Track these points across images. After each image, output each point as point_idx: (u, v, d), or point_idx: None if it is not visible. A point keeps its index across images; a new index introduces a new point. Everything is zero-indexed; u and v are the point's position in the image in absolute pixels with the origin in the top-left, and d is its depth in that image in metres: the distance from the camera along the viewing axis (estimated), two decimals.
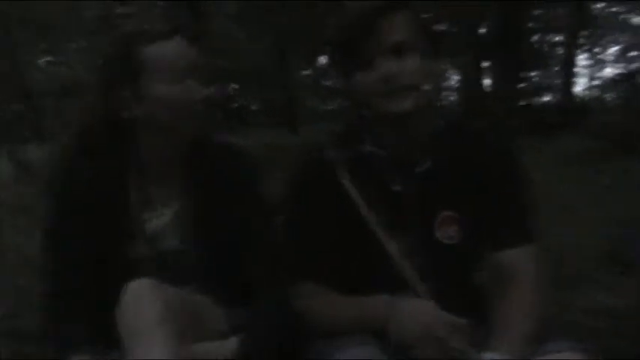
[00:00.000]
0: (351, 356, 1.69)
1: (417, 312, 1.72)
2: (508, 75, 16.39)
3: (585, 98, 19.88)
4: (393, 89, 1.78)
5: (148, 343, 1.69)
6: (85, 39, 16.88)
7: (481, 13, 15.51)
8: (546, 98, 21.11)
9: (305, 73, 26.65)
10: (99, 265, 1.98)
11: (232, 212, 1.98)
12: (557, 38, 21.36)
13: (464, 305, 1.76)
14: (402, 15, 1.83)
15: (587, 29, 21.85)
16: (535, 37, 21.00)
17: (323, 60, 21.44)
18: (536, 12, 19.12)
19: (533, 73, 21.34)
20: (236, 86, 24.16)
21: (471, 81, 18.30)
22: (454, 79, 24.63)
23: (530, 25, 18.51)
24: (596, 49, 27.75)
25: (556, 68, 21.26)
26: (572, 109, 15.71)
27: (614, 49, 28.11)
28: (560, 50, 20.25)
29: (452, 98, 24.09)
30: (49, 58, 20.62)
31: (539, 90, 21.31)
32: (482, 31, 17.63)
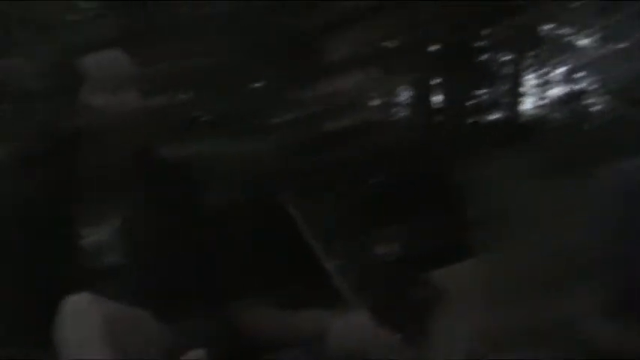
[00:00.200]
0: None
1: (353, 327, 1.73)
2: (458, 92, 16.44)
3: (533, 117, 20.06)
4: (332, 108, 1.78)
5: (87, 356, 1.67)
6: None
7: (433, 30, 15.61)
8: (495, 116, 21.27)
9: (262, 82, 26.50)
10: (38, 278, 1.94)
11: (174, 226, 1.97)
12: (506, 57, 21.56)
13: (401, 320, 1.77)
14: (344, 33, 1.84)
15: (535, 50, 22.06)
16: (485, 56, 21.21)
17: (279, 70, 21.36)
18: (486, 31, 19.32)
19: (482, 91, 21.50)
20: (191, 95, 24.01)
21: (421, 97, 18.35)
22: (405, 95, 24.82)
23: (480, 43, 18.68)
24: (544, 70, 28.05)
25: (505, 87, 21.43)
26: (520, 127, 15.88)
27: (560, 70, 28.44)
28: (509, 69, 20.44)
29: (402, 114, 24.23)
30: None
31: (488, 107, 21.48)
32: (433, 48, 17.70)
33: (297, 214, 1.77)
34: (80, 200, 1.95)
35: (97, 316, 1.66)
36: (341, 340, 1.70)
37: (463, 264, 1.85)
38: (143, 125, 1.88)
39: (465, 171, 1.98)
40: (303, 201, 1.80)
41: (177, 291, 1.91)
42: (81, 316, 1.67)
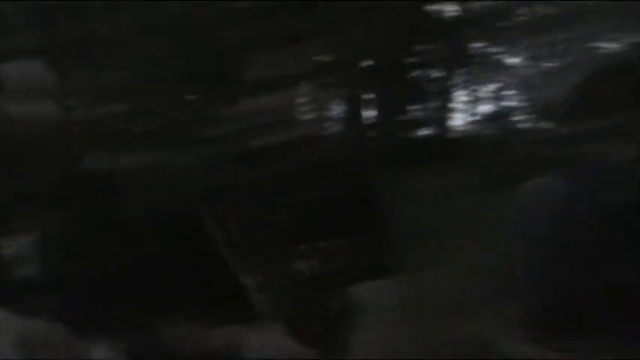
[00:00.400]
0: None
1: (270, 343, 1.69)
2: (389, 108, 16.61)
3: (463, 133, 20.36)
4: (259, 125, 1.74)
5: None
6: None
7: (364, 46, 15.76)
8: (425, 132, 21.55)
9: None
10: None
11: (95, 240, 1.90)
12: (437, 74, 21.85)
13: (320, 337, 1.74)
14: (268, 50, 1.80)
15: (465, 67, 22.45)
16: (417, 72, 21.47)
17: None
18: (418, 48, 19.56)
19: (413, 107, 21.76)
20: (123, 106, 23.74)
21: (352, 113, 18.48)
22: (337, 110, 24.95)
23: (411, 60, 18.91)
24: (474, 87, 28.54)
25: (435, 103, 21.73)
26: (450, 144, 16.09)
27: (490, 88, 28.96)
28: (440, 86, 20.74)
29: (332, 129, 24.35)
30: None
31: (419, 123, 21.76)
32: (366, 63, 17.84)
33: (216, 229, 1.73)
34: None
35: (10, 332, 1.59)
36: (258, 356, 1.67)
37: (382, 280, 1.83)
38: (64, 137, 1.81)
39: (390, 187, 1.96)
40: (222, 216, 1.75)
41: (96, 306, 1.84)
42: None
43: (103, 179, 2.03)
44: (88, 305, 1.91)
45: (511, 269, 1.88)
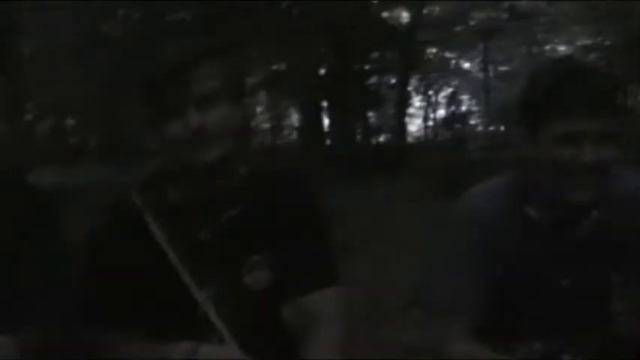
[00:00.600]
0: None
1: (222, 357, 1.70)
2: (346, 115, 16.77)
3: (419, 138, 20.59)
4: (200, 140, 1.75)
5: None
6: None
7: (320, 54, 15.87)
8: (382, 138, 21.75)
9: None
10: None
11: (37, 255, 1.89)
12: (393, 81, 22.07)
13: (272, 350, 1.75)
14: (212, 63, 1.80)
15: (419, 72, 22.75)
16: (373, 79, 21.68)
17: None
18: (374, 55, 19.72)
19: (370, 114, 21.98)
20: (73, 121, 23.52)
21: (308, 120, 18.60)
22: (293, 118, 25.02)
23: (367, 67, 19.08)
24: (430, 92, 28.85)
25: (392, 110, 21.96)
26: (406, 149, 16.27)
27: (446, 92, 29.30)
28: (396, 92, 20.98)
29: (291, 137, 24.38)
30: None
31: (375, 130, 21.95)
32: (322, 71, 17.98)
33: (165, 243, 1.73)
34: None
35: None
36: None
37: (333, 289, 1.84)
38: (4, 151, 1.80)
39: (339, 196, 1.98)
40: (171, 230, 1.75)
41: (40, 321, 1.83)
42: None
43: (47, 194, 2.01)
44: (41, 323, 1.89)
45: (457, 274, 1.90)
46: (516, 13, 18.82)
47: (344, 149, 14.85)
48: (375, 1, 18.51)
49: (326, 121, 19.52)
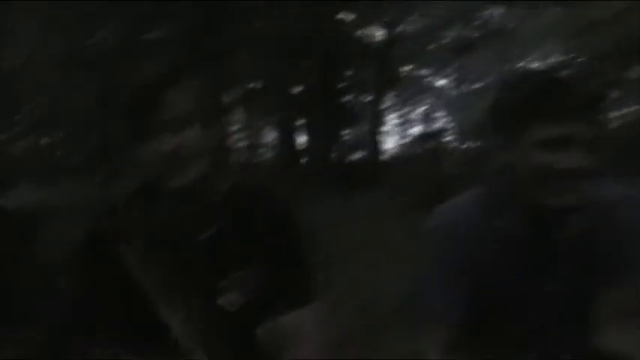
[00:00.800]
0: None
1: None
2: (322, 132, 16.83)
3: (394, 154, 20.67)
4: (176, 161, 1.74)
5: None
6: None
7: (296, 71, 15.94)
8: (357, 155, 21.86)
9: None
10: None
11: (8, 276, 1.87)
12: (368, 98, 22.22)
13: None
14: (186, 85, 1.79)
15: (394, 90, 22.94)
16: (348, 97, 21.78)
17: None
18: (349, 73, 19.81)
19: (346, 131, 22.08)
20: (59, 134, 23.32)
21: (285, 138, 18.65)
22: (270, 135, 25.02)
23: (342, 84, 19.18)
24: (405, 109, 29.11)
25: (368, 127, 22.10)
26: (381, 165, 16.34)
27: (420, 110, 29.65)
28: (370, 110, 21.10)
29: (268, 155, 24.39)
30: None
31: (351, 147, 22.03)
32: (298, 89, 18.04)
33: (135, 265, 1.71)
34: None
35: None
36: None
37: (310, 308, 1.83)
38: None
39: (316, 213, 1.98)
40: (142, 252, 1.74)
41: (14, 341, 1.81)
42: None
43: (14, 216, 1.99)
44: (8, 339, 1.87)
45: (431, 286, 1.90)
46: (488, 31, 18.98)
47: (320, 166, 14.87)
48: (350, 20, 18.65)
49: (302, 139, 19.59)
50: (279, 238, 1.87)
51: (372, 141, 20.24)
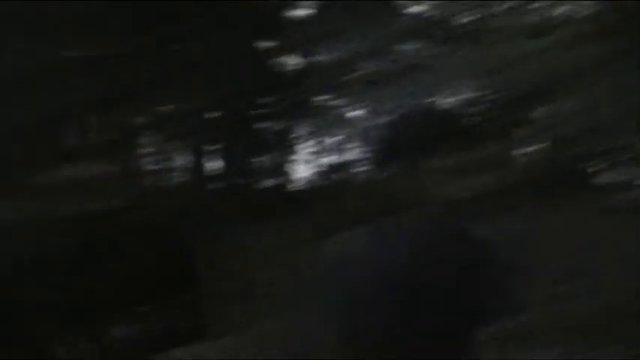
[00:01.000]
0: None
1: None
2: (234, 158, 16.77)
3: (304, 184, 20.76)
4: (79, 191, 1.71)
5: None
6: None
7: (210, 98, 15.87)
8: (268, 183, 21.84)
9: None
10: None
11: None
12: (282, 126, 22.26)
13: None
14: (93, 113, 1.77)
15: (309, 119, 23.08)
16: (260, 124, 21.76)
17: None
18: (263, 100, 19.81)
19: (258, 158, 22.02)
20: None
21: (196, 165, 18.51)
22: (181, 162, 24.75)
23: (255, 112, 19.17)
24: (318, 139, 29.35)
25: (280, 155, 22.11)
26: (290, 194, 16.36)
27: (334, 140, 29.99)
28: (284, 138, 21.13)
29: (180, 180, 24.11)
30: None
31: (263, 175, 21.99)
32: (211, 115, 17.96)
33: (32, 299, 1.67)
34: None
35: None
36: None
37: (209, 343, 1.82)
38: None
39: (222, 238, 1.97)
40: (38, 287, 1.70)
41: None
42: None
43: None
44: None
45: (336, 316, 1.91)
46: (403, 65, 19.29)
47: (230, 192, 14.79)
48: (267, 47, 18.70)
49: (213, 165, 19.48)
50: (177, 275, 1.85)
51: (283, 169, 20.28)
